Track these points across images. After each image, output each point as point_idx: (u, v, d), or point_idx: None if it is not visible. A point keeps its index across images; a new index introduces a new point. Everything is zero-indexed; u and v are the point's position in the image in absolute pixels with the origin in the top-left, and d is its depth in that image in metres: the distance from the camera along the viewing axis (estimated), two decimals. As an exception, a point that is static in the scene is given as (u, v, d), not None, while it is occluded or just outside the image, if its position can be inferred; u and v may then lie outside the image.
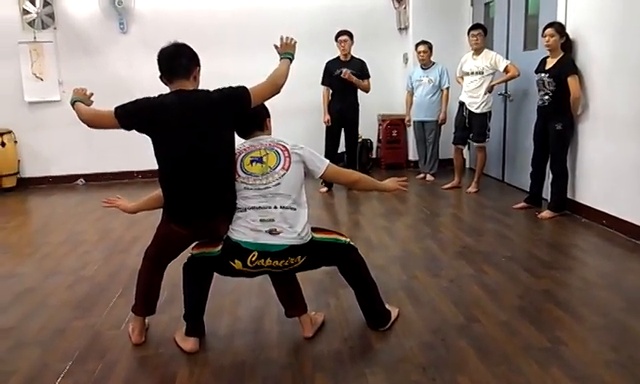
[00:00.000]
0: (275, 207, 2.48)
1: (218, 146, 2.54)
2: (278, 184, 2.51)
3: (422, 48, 6.37)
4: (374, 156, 7.57)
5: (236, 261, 2.48)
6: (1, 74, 6.86)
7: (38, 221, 5.84)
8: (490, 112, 5.78)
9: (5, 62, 6.84)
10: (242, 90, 2.60)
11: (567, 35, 4.65)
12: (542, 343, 2.61)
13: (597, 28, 4.44)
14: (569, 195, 4.81)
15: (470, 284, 3.38)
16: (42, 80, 6.86)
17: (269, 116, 2.79)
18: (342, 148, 6.45)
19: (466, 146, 6.19)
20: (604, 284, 3.35)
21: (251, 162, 2.57)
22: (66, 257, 4.19)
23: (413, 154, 7.30)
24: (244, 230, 2.47)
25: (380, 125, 7.52)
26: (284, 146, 2.63)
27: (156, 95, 2.60)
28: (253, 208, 2.49)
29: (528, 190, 5.17)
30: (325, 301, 3.18)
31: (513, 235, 4.44)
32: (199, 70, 2.69)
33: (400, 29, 7.44)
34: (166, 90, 2.67)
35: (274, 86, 2.68)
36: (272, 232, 2.45)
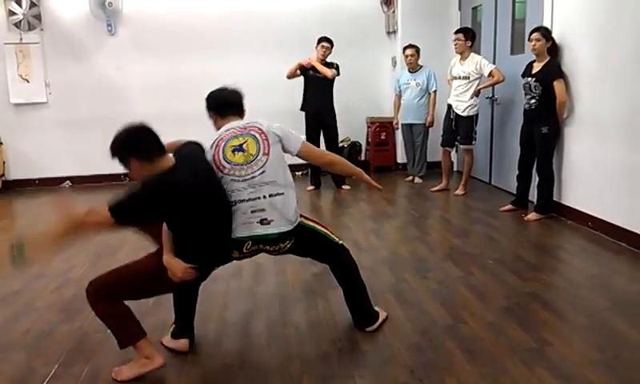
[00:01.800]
0: (264, 196, 2.49)
1: None
2: (263, 172, 2.51)
3: (409, 52, 6.41)
4: (362, 158, 7.59)
5: (234, 251, 2.54)
6: (-14, 75, 6.79)
7: (24, 223, 5.78)
8: (476, 115, 5.82)
9: (-10, 63, 6.77)
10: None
11: (553, 39, 4.70)
12: (528, 344, 2.64)
13: (582, 32, 4.50)
14: (555, 198, 4.86)
15: (457, 286, 3.40)
16: (28, 82, 6.80)
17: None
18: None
19: (454, 149, 6.23)
20: (590, 285, 3.39)
21: (233, 151, 2.54)
22: (52, 260, 4.15)
23: (401, 157, 7.33)
24: (237, 226, 2.49)
25: (369, 127, 7.54)
26: (259, 129, 2.59)
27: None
28: (242, 201, 2.48)
29: (515, 193, 5.22)
30: (313, 302, 3.19)
31: (500, 237, 4.47)
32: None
33: (388, 32, 7.48)
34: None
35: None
36: (263, 222, 2.48)
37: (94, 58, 7.01)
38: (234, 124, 2.66)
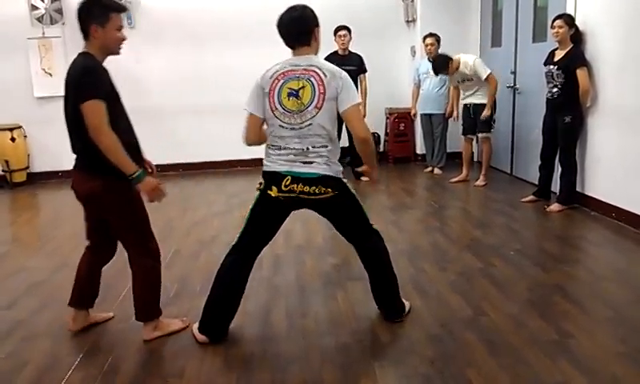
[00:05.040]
0: (308, 148, 2.52)
1: None
2: (310, 125, 2.51)
3: (429, 40, 6.34)
4: (381, 150, 7.55)
5: (272, 187, 2.55)
6: (10, 69, 6.89)
7: (48, 215, 5.89)
8: (494, 103, 5.74)
9: (14, 58, 6.87)
10: None
11: (576, 27, 4.60)
12: (550, 336, 2.61)
13: (606, 20, 4.40)
14: (578, 188, 4.78)
15: (477, 277, 3.38)
16: (50, 75, 6.89)
17: (318, 25, 2.66)
18: (344, 142, 6.43)
19: (475, 137, 6.15)
20: (613, 277, 3.33)
21: (288, 95, 2.52)
22: (75, 251, 4.18)
23: (420, 148, 7.27)
24: (279, 161, 2.55)
25: (387, 118, 7.49)
26: (320, 77, 2.50)
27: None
28: (287, 148, 2.53)
29: (537, 183, 5.14)
30: (333, 293, 3.19)
31: (521, 228, 4.42)
32: None
33: (407, 21, 7.40)
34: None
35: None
36: (305, 162, 2.52)
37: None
38: (300, 61, 2.56)
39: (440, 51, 6.37)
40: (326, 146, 2.54)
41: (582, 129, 4.71)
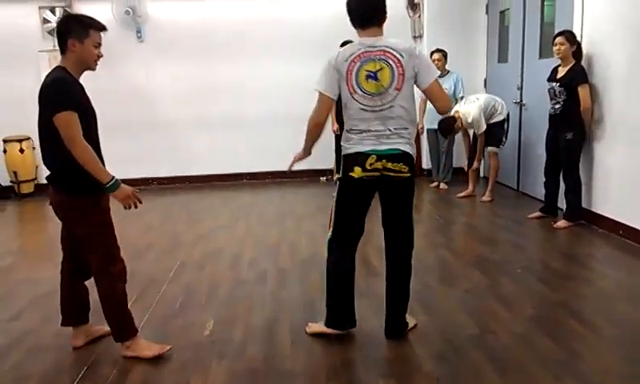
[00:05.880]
0: (389, 129, 2.55)
1: None
2: (392, 107, 2.53)
3: (436, 56, 6.36)
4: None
5: (355, 168, 2.55)
6: (21, 81, 6.96)
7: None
8: (504, 120, 5.74)
9: (25, 70, 6.95)
10: None
11: (578, 43, 4.61)
12: (557, 355, 2.58)
13: (613, 35, 4.41)
14: (585, 205, 4.76)
15: (484, 294, 3.36)
16: (60, 87, 6.97)
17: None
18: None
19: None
20: (621, 296, 3.30)
21: (367, 77, 2.53)
22: (82, 262, 4.24)
23: (426, 163, 7.27)
24: (363, 141, 2.56)
25: (394, 133, 7.49)
26: (398, 58, 2.50)
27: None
28: (369, 130, 2.55)
29: (543, 200, 5.12)
30: (338, 309, 3.18)
31: (528, 245, 4.40)
32: None
33: (414, 37, 7.43)
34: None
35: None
36: (388, 142, 2.55)
37: (124, 64, 7.14)
38: (373, 41, 2.54)
39: (447, 67, 6.41)
40: (407, 128, 2.59)
41: (584, 145, 4.69)
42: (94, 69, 2.63)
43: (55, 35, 2.59)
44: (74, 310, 2.82)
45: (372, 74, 2.51)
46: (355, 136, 2.59)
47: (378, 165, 2.54)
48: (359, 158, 2.56)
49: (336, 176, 6.15)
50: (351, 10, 2.61)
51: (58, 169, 2.53)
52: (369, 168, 2.54)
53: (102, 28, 2.62)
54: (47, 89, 2.50)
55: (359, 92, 2.54)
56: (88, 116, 2.56)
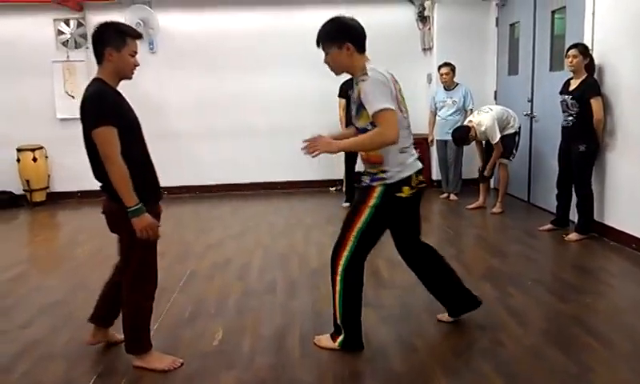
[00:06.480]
0: (412, 142, 2.76)
1: None
2: (409, 125, 2.75)
3: (444, 70, 6.38)
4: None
5: (403, 189, 2.64)
6: (35, 91, 7.08)
7: (66, 235, 5.96)
8: (515, 133, 5.71)
9: (39, 81, 7.06)
10: None
11: (591, 56, 4.60)
12: (569, 369, 2.55)
13: (624, 48, 4.39)
14: (597, 217, 4.72)
15: (494, 307, 3.33)
16: (73, 98, 7.04)
17: None
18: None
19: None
20: (634, 309, 3.26)
21: (402, 98, 2.69)
22: (92, 271, 4.26)
23: (436, 174, 7.26)
24: (415, 162, 2.71)
25: (403, 144, 7.49)
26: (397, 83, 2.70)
27: None
28: (410, 146, 2.72)
29: (554, 212, 5.09)
30: (347, 320, 3.16)
31: (539, 257, 4.36)
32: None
33: (424, 49, 7.46)
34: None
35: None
36: (418, 158, 2.78)
37: (136, 75, 7.19)
38: (379, 67, 2.63)
39: (456, 79, 6.42)
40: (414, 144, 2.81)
41: (597, 158, 4.66)
42: (130, 78, 2.60)
43: (92, 44, 2.53)
44: (105, 311, 2.84)
45: (402, 94, 2.70)
46: (405, 157, 2.67)
47: (418, 179, 2.71)
48: (406, 180, 2.66)
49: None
50: (360, 34, 2.67)
51: (109, 181, 2.44)
52: (414, 185, 2.68)
53: (138, 36, 2.58)
54: (85, 104, 2.47)
55: (404, 111, 2.68)
56: (130, 126, 2.52)
